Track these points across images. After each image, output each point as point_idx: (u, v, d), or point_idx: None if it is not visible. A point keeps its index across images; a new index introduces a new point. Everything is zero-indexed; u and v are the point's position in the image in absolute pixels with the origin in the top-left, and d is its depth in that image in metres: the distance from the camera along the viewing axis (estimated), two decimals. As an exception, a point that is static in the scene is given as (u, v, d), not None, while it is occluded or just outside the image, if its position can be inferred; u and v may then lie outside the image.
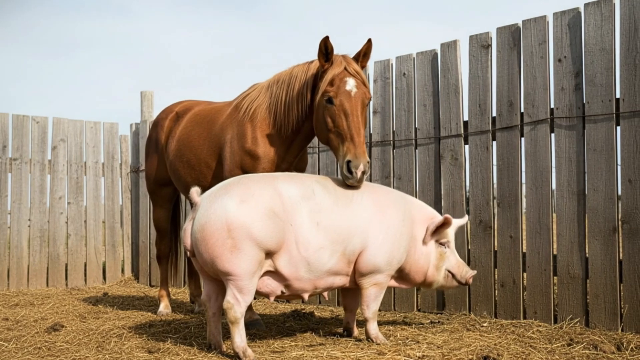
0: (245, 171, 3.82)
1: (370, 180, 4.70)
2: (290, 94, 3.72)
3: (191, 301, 5.06)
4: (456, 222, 3.50)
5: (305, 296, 3.26)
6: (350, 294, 3.52)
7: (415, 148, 4.60)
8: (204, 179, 4.16)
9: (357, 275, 3.28)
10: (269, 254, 3.06)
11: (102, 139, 7.10)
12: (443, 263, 3.44)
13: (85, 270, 6.86)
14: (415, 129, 4.60)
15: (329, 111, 3.43)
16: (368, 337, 3.34)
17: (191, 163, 4.26)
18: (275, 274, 3.13)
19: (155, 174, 4.87)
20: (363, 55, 3.57)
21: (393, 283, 3.49)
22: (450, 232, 3.47)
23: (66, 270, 6.74)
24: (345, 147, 3.34)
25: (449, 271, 3.46)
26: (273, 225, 3.03)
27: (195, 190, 3.19)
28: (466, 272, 3.48)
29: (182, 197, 5.57)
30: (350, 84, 3.43)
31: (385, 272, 3.30)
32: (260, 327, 3.89)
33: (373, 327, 3.35)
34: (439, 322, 3.96)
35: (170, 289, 5.44)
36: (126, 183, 7.28)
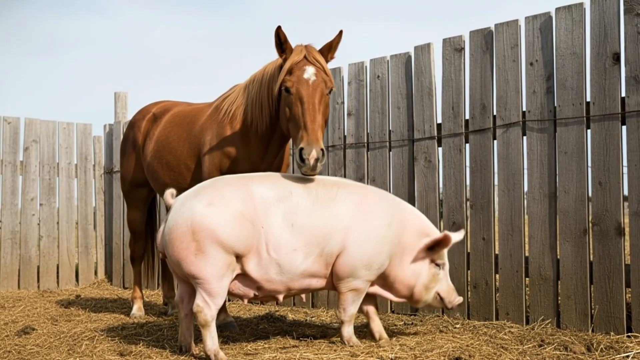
0: (224, 173, 3.80)
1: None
2: (263, 90, 3.67)
3: (164, 303, 5.03)
4: (455, 239, 3.30)
5: (280, 297, 3.22)
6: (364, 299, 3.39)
7: (389, 150, 4.62)
8: (183, 180, 4.13)
9: (334, 278, 3.21)
10: (239, 257, 3.04)
11: (75, 140, 7.04)
12: (435, 285, 3.31)
13: (57, 272, 6.79)
14: (389, 131, 4.62)
15: (287, 100, 3.37)
16: (341, 339, 3.34)
17: (170, 164, 4.23)
18: (245, 276, 3.11)
19: (132, 175, 4.83)
20: (331, 48, 3.51)
21: (379, 291, 3.38)
22: (445, 253, 3.34)
23: (38, 272, 6.67)
24: (299, 135, 3.25)
25: (439, 294, 3.34)
26: (241, 229, 3.00)
27: (169, 193, 3.18)
28: (454, 298, 3.37)
29: (158, 198, 5.54)
30: (309, 72, 3.35)
31: (363, 278, 3.20)
32: (233, 329, 3.88)
33: (347, 330, 3.30)
34: (412, 323, 3.98)
35: (144, 291, 5.40)
36: (99, 184, 7.23)
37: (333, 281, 3.23)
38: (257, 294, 3.18)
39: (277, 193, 3.13)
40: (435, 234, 3.30)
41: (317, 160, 3.15)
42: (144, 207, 4.97)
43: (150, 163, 4.43)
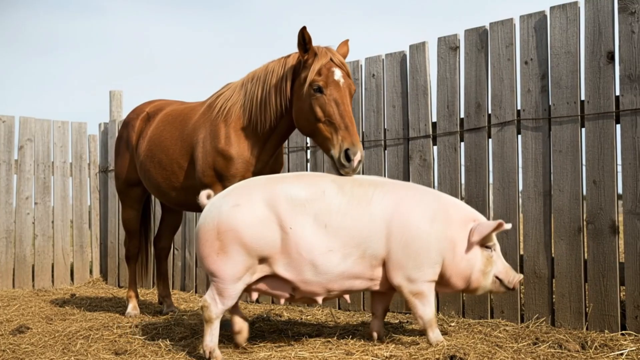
0: (217, 172, 3.79)
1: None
2: (267, 89, 3.67)
3: (159, 302, 5.02)
4: (506, 225, 3.20)
5: (319, 299, 3.15)
6: (377, 298, 3.35)
7: (385, 149, 4.62)
8: (176, 179, 4.12)
9: (392, 284, 3.13)
10: (263, 260, 3.01)
11: (70, 139, 7.03)
12: (490, 268, 3.16)
13: (52, 271, 6.78)
14: (385, 129, 4.62)
15: (319, 100, 3.38)
16: (429, 343, 3.19)
17: (162, 163, 4.22)
18: (276, 277, 3.07)
19: (126, 174, 4.82)
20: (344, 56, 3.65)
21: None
22: (494, 235, 3.22)
23: (33, 271, 6.65)
24: (340, 136, 3.28)
25: (497, 277, 3.21)
26: (265, 231, 2.97)
27: (205, 194, 3.19)
28: (513, 277, 3.23)
29: (153, 197, 5.53)
30: (338, 74, 3.42)
31: (421, 280, 3.10)
32: (229, 327, 3.87)
33: (432, 336, 3.17)
34: (407, 322, 3.98)
35: (139, 290, 5.40)
36: (95, 183, 7.21)
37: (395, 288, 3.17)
38: (293, 294, 3.13)
39: (308, 193, 3.07)
40: (481, 218, 3.21)
41: (360, 162, 3.25)
42: (138, 206, 4.95)
43: (143, 162, 4.42)
